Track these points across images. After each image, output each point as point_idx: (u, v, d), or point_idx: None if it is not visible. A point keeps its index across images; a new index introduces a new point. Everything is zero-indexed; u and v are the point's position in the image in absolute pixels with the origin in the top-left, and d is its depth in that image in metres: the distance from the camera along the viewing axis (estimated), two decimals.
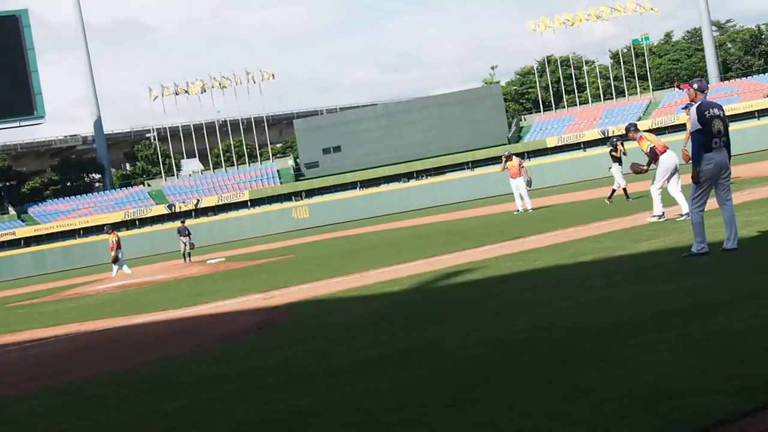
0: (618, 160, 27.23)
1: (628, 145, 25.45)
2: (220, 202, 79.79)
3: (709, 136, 10.89)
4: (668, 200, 18.24)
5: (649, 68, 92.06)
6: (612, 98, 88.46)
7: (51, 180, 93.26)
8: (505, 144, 78.81)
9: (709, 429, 4.48)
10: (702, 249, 11.01)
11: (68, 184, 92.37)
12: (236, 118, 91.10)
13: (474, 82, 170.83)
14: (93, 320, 16.81)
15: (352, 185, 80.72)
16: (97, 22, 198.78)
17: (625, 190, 26.81)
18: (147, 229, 76.81)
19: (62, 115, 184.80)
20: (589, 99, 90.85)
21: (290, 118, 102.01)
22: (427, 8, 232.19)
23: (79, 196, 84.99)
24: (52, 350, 13.30)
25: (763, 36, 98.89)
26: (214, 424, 6.36)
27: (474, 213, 42.01)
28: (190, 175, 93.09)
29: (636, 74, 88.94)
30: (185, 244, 39.78)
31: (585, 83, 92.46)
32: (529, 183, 31.36)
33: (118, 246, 33.23)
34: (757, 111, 73.63)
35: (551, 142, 79.66)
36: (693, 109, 11.10)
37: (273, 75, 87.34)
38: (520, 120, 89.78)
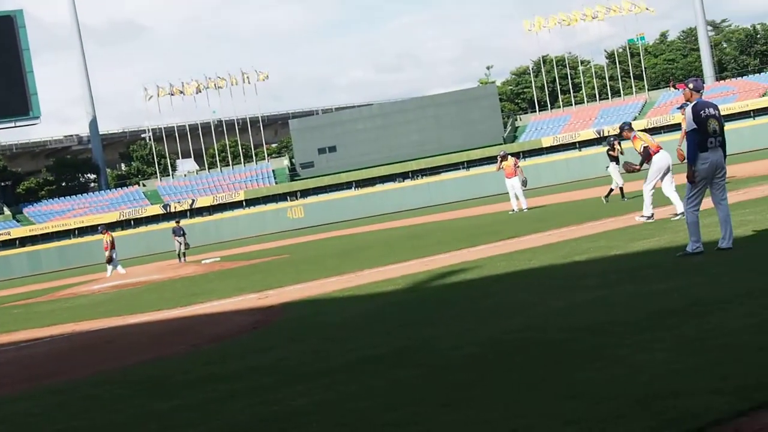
0: (615, 159, 27.23)
1: (625, 144, 25.45)
2: (215, 202, 79.75)
3: (705, 135, 10.89)
4: (663, 200, 18.25)
5: (645, 68, 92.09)
6: (607, 98, 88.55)
7: (46, 180, 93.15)
8: (501, 144, 78.81)
9: (705, 428, 4.48)
10: (697, 248, 11.02)
11: (63, 184, 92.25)
12: (231, 118, 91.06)
13: (469, 82, 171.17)
14: (88, 320, 16.80)
15: (347, 185, 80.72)
16: (92, 23, 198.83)
17: (621, 189, 26.82)
18: (142, 229, 76.74)
19: (57, 115, 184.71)
20: (585, 99, 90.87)
21: (285, 118, 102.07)
22: (422, 8, 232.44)
23: (74, 196, 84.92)
24: (48, 350, 13.28)
25: (758, 36, 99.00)
26: (209, 423, 6.35)
27: (469, 213, 42.00)
28: (185, 176, 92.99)
29: (631, 74, 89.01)
30: (180, 244, 39.75)
31: (580, 83, 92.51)
32: (524, 183, 31.37)
33: (112, 246, 33.25)
34: (753, 110, 73.72)
35: (546, 142, 79.68)
36: (688, 109, 11.11)
37: (267, 76, 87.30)
38: (516, 120, 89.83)
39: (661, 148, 17.85)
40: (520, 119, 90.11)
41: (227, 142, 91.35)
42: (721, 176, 11.12)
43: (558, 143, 79.21)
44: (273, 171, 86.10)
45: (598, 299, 9.05)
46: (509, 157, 32.28)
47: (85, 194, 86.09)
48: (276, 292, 16.13)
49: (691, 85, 11.34)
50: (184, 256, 39.48)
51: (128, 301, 20.61)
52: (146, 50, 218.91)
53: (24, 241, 75.51)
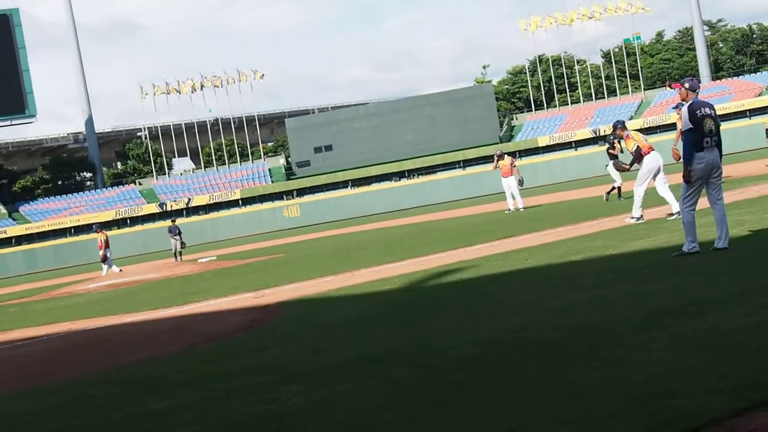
0: (615, 157, 27.20)
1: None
2: (212, 201, 79.74)
3: (701, 135, 10.90)
4: (657, 200, 18.26)
5: (641, 67, 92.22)
6: (603, 97, 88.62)
7: (42, 179, 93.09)
8: (497, 143, 78.89)
9: (701, 428, 4.48)
10: (693, 248, 11.02)
11: (59, 182, 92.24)
12: (227, 117, 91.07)
13: (466, 81, 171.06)
14: (84, 319, 16.78)
15: (343, 184, 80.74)
16: (88, 21, 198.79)
17: (619, 188, 26.76)
18: (138, 227, 76.73)
19: (53, 113, 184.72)
20: (581, 98, 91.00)
21: (282, 117, 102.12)
22: (418, 8, 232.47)
23: (70, 194, 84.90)
24: (43, 349, 13.27)
25: (754, 35, 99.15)
26: (205, 423, 6.34)
27: (465, 212, 42.00)
28: (181, 174, 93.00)
29: (627, 73, 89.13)
30: (176, 242, 39.71)
31: (576, 82, 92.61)
32: (520, 182, 31.36)
33: (107, 245, 33.25)
34: (749, 110, 73.82)
35: (543, 142, 79.74)
36: (684, 109, 11.12)
37: (263, 75, 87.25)
38: (512, 119, 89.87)
39: (652, 149, 17.80)
40: (516, 118, 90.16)
41: (223, 141, 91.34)
42: (717, 176, 11.13)
43: (554, 143, 79.27)
44: (269, 170, 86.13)
45: (595, 299, 9.05)
46: (506, 156, 32.28)
47: (81, 193, 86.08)
48: (272, 291, 16.12)
49: (686, 85, 11.34)
50: (180, 255, 39.47)
51: (124, 300, 20.59)
52: (142, 48, 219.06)
53: (20, 240, 75.48)
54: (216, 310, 14.66)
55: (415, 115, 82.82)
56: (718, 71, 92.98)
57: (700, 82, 12.20)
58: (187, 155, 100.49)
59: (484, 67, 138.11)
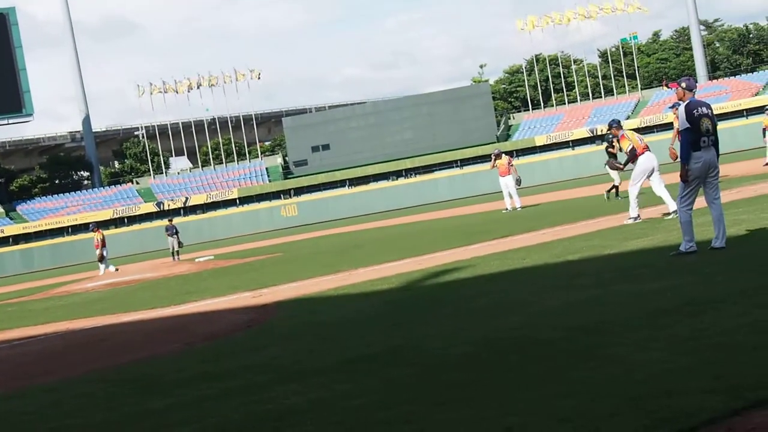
0: (614, 156, 27.20)
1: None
2: (209, 200, 79.64)
3: (698, 134, 10.92)
4: (654, 200, 18.27)
5: (638, 67, 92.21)
6: (600, 97, 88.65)
7: (39, 178, 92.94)
8: (494, 142, 78.90)
9: (698, 427, 4.49)
10: (690, 248, 11.04)
11: (57, 181, 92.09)
12: (225, 116, 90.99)
13: (463, 81, 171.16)
14: (82, 318, 16.78)
15: (340, 183, 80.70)
16: (85, 20, 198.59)
17: (616, 188, 26.75)
18: (136, 227, 76.65)
19: (50, 112, 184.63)
20: (578, 98, 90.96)
21: (279, 116, 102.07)
22: (416, 7, 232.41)
23: (67, 193, 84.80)
24: (41, 348, 13.27)
25: (750, 35, 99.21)
26: (203, 422, 6.35)
27: (463, 211, 42.01)
28: (178, 173, 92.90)
29: (624, 73, 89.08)
30: (173, 242, 39.69)
31: (573, 82, 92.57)
32: (518, 181, 31.35)
33: (103, 244, 33.25)
34: (746, 110, 73.84)
35: (540, 141, 79.72)
36: (681, 108, 11.13)
37: (259, 75, 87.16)
38: (509, 118, 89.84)
39: (647, 149, 17.76)
40: (514, 118, 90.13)
41: (220, 140, 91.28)
42: (714, 175, 11.15)
43: (551, 142, 79.24)
44: (266, 169, 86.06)
45: (592, 298, 9.07)
46: (503, 155, 32.27)
47: (79, 192, 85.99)
48: (270, 290, 16.13)
49: (683, 85, 11.35)
50: (178, 255, 39.46)
51: (122, 299, 20.59)
52: (139, 48, 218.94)
53: (17, 239, 75.40)
54: (214, 310, 14.67)
55: (413, 114, 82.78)
56: (714, 71, 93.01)
57: (696, 82, 12.16)
58: (184, 154, 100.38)
59: (481, 67, 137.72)
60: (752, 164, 34.86)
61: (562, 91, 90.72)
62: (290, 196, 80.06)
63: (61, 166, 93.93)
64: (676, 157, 12.34)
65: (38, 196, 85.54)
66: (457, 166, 79.78)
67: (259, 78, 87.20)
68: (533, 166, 72.36)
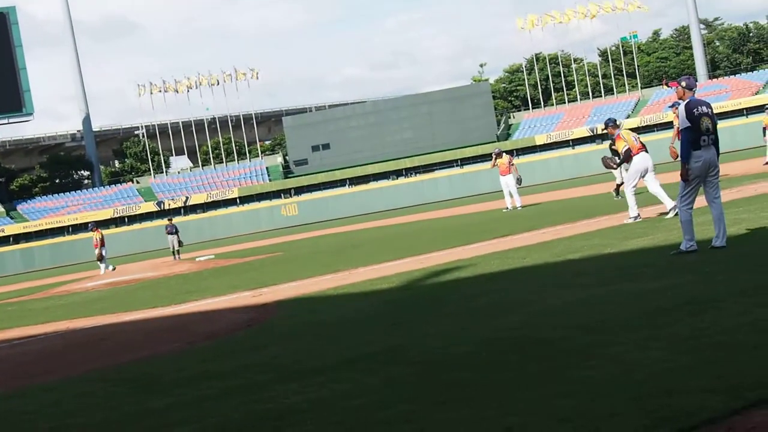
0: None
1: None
2: (209, 200, 79.64)
3: (698, 133, 10.91)
4: (651, 200, 18.25)
5: (638, 66, 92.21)
6: (601, 96, 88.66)
7: (40, 177, 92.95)
8: (494, 141, 78.92)
9: (698, 426, 4.49)
10: (691, 247, 11.03)
11: (57, 181, 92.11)
12: (225, 116, 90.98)
13: (463, 80, 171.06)
14: (82, 317, 16.78)
15: (341, 182, 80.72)
16: (85, 19, 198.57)
17: (618, 186, 26.69)
18: (136, 226, 76.67)
19: (50, 112, 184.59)
20: (578, 97, 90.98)
21: (279, 116, 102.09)
22: (416, 7, 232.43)
23: (67, 193, 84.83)
24: (41, 348, 13.27)
25: (750, 34, 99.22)
26: (203, 421, 6.35)
27: (463, 210, 42.01)
28: (179, 173, 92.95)
29: (624, 72, 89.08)
30: (173, 240, 39.69)
31: (574, 81, 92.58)
32: (518, 181, 31.34)
33: (102, 243, 33.27)
34: (746, 109, 73.83)
35: (540, 140, 79.70)
36: (681, 107, 11.13)
37: (257, 74, 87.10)
38: (509, 117, 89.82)
39: (643, 149, 17.68)
40: (514, 117, 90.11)
41: (221, 139, 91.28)
42: (715, 174, 11.14)
43: (551, 141, 79.24)
44: (267, 168, 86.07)
45: (593, 297, 9.06)
46: (504, 154, 32.26)
47: (79, 191, 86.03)
48: (270, 289, 16.13)
49: (683, 84, 11.34)
50: (178, 254, 39.47)
51: (122, 298, 20.59)
52: (139, 47, 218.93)
53: (17, 238, 75.41)
54: (214, 309, 14.67)
55: (413, 113, 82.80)
56: (714, 70, 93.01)
57: (696, 81, 12.15)
58: (184, 153, 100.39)
59: (481, 66, 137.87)
60: (752, 163, 34.85)
61: (562, 90, 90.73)
62: (290, 196, 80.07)
63: (62, 165, 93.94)
64: (677, 156, 12.33)
65: (38, 196, 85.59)
66: (457, 166, 79.79)
67: (257, 78, 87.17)
68: (533, 166, 72.35)
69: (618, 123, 19.27)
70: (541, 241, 16.64)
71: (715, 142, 11.10)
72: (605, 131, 19.88)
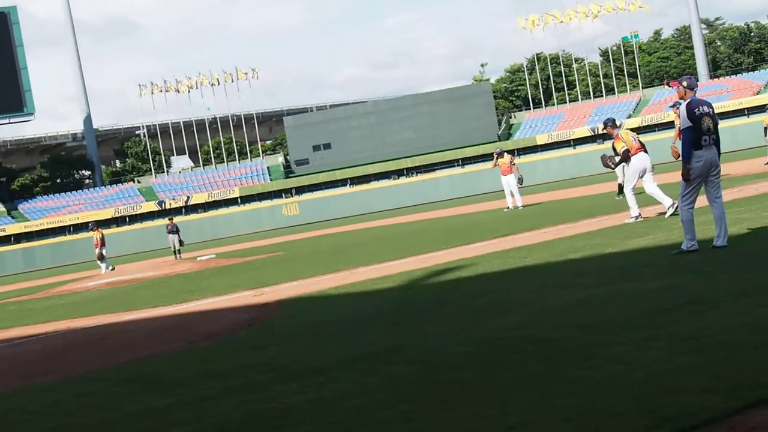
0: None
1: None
2: (210, 199, 79.63)
3: (699, 133, 10.90)
4: (650, 200, 18.25)
5: (639, 66, 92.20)
6: (602, 96, 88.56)
7: (41, 177, 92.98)
8: (495, 141, 78.89)
9: (699, 426, 4.48)
10: (692, 246, 11.02)
11: (58, 180, 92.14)
12: (226, 115, 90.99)
13: (464, 80, 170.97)
14: (83, 317, 16.79)
15: (342, 182, 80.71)
16: (86, 19, 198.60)
17: (620, 185, 26.63)
18: (137, 225, 76.70)
19: (52, 111, 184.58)
20: (579, 96, 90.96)
21: (280, 115, 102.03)
22: (416, 7, 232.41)
23: (68, 192, 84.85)
24: (42, 347, 13.27)
25: (752, 34, 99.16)
26: (204, 421, 6.35)
27: (464, 210, 42.00)
28: (180, 172, 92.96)
29: (626, 72, 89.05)
30: (174, 239, 39.70)
31: (575, 81, 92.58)
32: (520, 180, 31.34)
33: (102, 243, 33.27)
34: (747, 108, 73.78)
35: (541, 140, 79.67)
36: (683, 107, 11.12)
37: (258, 75, 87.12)
38: (510, 117, 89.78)
39: (641, 150, 17.64)
40: (515, 117, 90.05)
41: (222, 139, 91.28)
42: (716, 174, 11.14)
43: (552, 141, 79.20)
44: (268, 168, 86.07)
45: (593, 297, 9.06)
46: (505, 154, 32.27)
47: (80, 191, 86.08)
48: (271, 289, 16.13)
49: (685, 83, 11.34)
50: (179, 253, 39.48)
51: (123, 298, 20.59)
52: (140, 47, 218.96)
53: (18, 238, 75.43)
54: (215, 309, 14.67)
55: (414, 113, 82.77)
56: (716, 69, 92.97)
57: (698, 81, 12.17)
58: (185, 153, 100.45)
59: (482, 65, 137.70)
60: (754, 163, 34.82)
61: (564, 90, 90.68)
62: (292, 195, 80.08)
63: (63, 165, 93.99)
64: (678, 156, 12.32)
65: (39, 195, 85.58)
66: (458, 165, 79.77)
67: (257, 77, 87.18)
68: (534, 165, 72.33)
69: (617, 123, 19.24)
70: (542, 240, 16.64)
71: (717, 142, 11.10)
72: (605, 131, 19.85)
